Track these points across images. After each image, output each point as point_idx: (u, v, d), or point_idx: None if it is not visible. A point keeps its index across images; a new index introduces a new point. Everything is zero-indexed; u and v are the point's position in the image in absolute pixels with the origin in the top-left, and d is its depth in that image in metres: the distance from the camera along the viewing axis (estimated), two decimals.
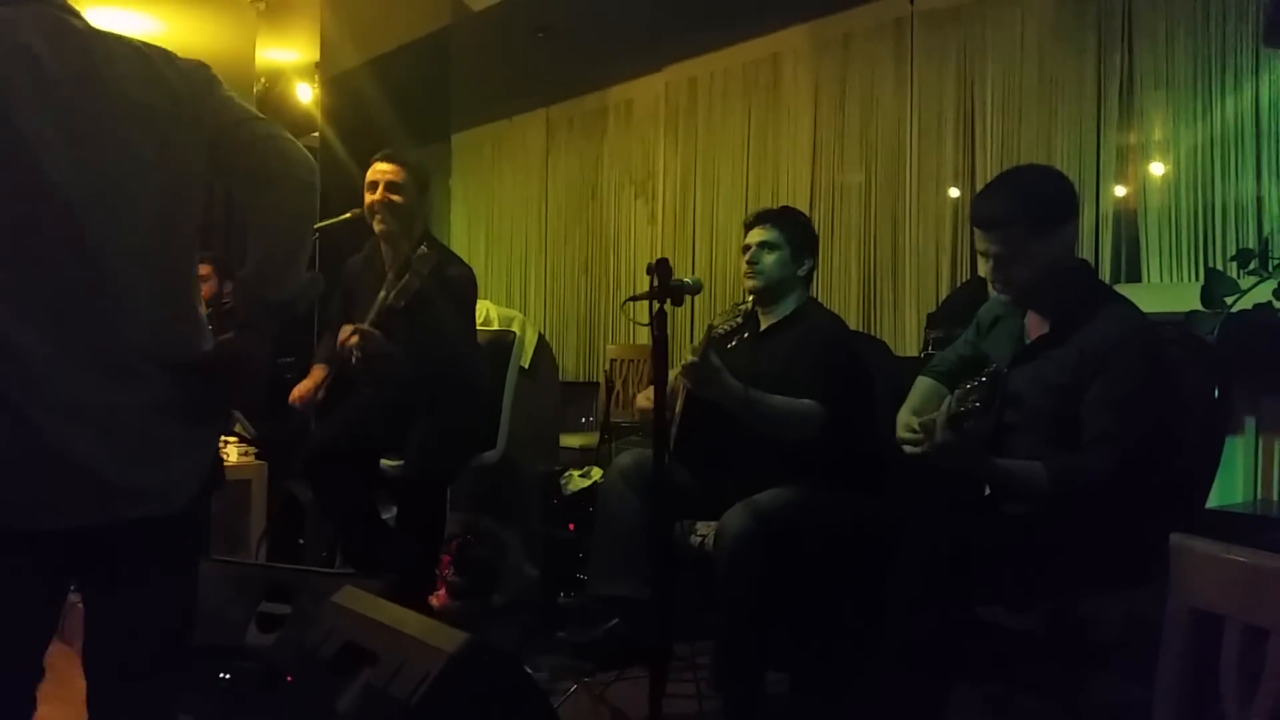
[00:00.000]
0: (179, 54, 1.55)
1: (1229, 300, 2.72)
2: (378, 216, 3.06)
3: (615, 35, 4.94)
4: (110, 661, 1.52)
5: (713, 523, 2.52)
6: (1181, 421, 2.12)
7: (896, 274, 4.29)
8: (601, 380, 5.20)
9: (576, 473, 3.75)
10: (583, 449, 4.72)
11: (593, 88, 5.80)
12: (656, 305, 2.13)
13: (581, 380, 5.82)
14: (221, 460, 1.65)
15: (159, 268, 1.46)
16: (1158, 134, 3.51)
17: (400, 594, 2.79)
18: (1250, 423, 2.95)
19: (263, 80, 4.49)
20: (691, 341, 3.36)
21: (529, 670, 2.49)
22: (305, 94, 4.33)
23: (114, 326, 1.41)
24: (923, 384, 2.39)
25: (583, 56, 5.27)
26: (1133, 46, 3.53)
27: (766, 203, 4.76)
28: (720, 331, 2.50)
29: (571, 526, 3.63)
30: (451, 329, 3.05)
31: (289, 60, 4.45)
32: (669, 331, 2.17)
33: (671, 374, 2.93)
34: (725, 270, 5.04)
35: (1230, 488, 2.93)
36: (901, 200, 4.26)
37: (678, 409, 2.70)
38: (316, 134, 4.14)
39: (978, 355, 2.33)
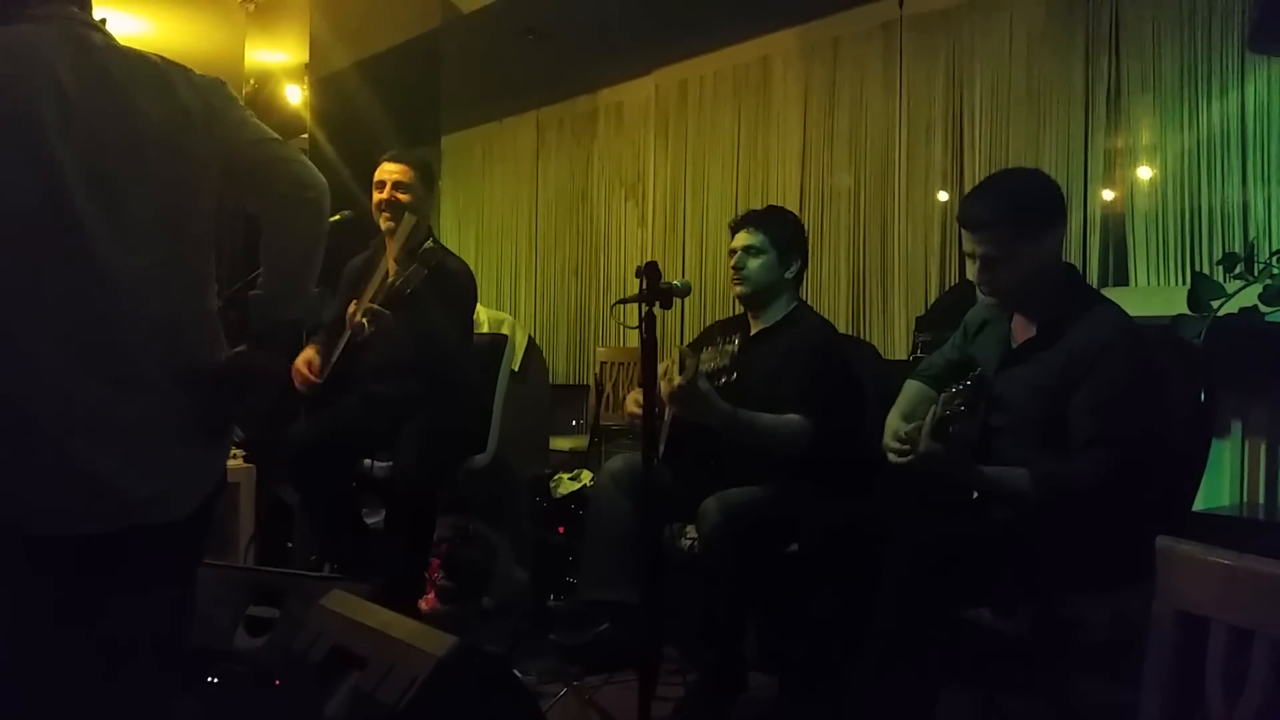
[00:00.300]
0: (172, 57, 1.56)
1: (1215, 304, 2.74)
2: (385, 214, 3.12)
3: (605, 38, 4.95)
4: (104, 665, 1.51)
5: None
6: (1168, 425, 2.13)
7: (885, 277, 4.30)
8: (591, 383, 5.20)
9: (566, 476, 3.75)
10: (573, 452, 4.72)
11: (583, 90, 5.80)
12: (645, 308, 2.13)
13: (572, 383, 5.82)
14: (223, 466, 1.65)
15: (171, 283, 1.48)
16: (1145, 138, 3.53)
17: (390, 598, 2.79)
18: (1236, 426, 2.97)
19: (252, 81, 4.47)
20: (681, 344, 3.36)
21: (518, 673, 2.49)
22: (295, 95, 4.31)
23: (124, 338, 1.43)
24: (911, 387, 2.40)
25: (573, 59, 5.27)
26: (1120, 51, 3.55)
27: (756, 205, 4.77)
28: (706, 370, 2.43)
29: (561, 530, 3.63)
30: (450, 323, 3.10)
31: (278, 61, 4.44)
32: (659, 334, 2.17)
33: (662, 367, 2.94)
34: (715, 273, 5.05)
35: (1216, 491, 2.95)
36: (890, 203, 4.27)
37: (667, 416, 2.71)
38: (306, 135, 4.13)
39: (965, 359, 2.34)
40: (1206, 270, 3.16)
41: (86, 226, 1.39)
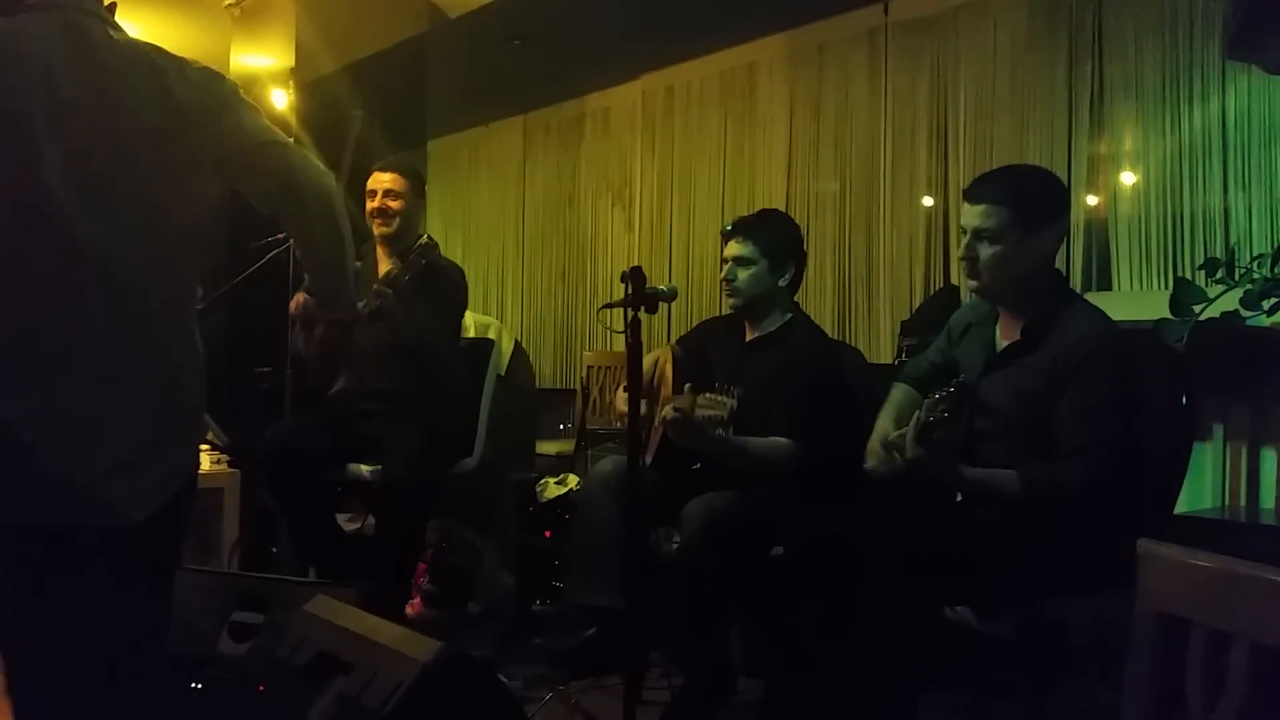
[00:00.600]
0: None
1: (1197, 308, 2.75)
2: (377, 221, 3.19)
3: (592, 43, 4.95)
4: (62, 671, 1.49)
5: None
6: (1150, 428, 2.14)
7: (871, 282, 4.32)
8: (578, 387, 5.20)
9: (552, 480, 3.74)
10: (559, 456, 4.71)
11: (570, 95, 5.80)
12: (631, 313, 2.14)
13: (558, 387, 5.82)
14: (195, 472, 1.64)
15: (153, 282, 1.47)
16: (1127, 144, 3.56)
17: (380, 603, 2.79)
18: (1218, 429, 2.99)
19: (237, 85, 4.46)
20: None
21: (503, 678, 2.49)
22: (280, 100, 4.31)
23: (99, 334, 1.42)
24: (896, 391, 2.41)
25: (559, 64, 5.27)
26: (1103, 57, 3.58)
27: (743, 210, 4.78)
28: (703, 415, 2.39)
29: (548, 534, 3.62)
30: (442, 322, 3.15)
31: (264, 65, 4.43)
32: (646, 338, 2.18)
33: (652, 359, 2.94)
34: (702, 277, 5.06)
35: (1199, 493, 2.97)
36: (876, 208, 4.29)
37: (657, 421, 2.71)
38: (292, 140, 4.11)
39: (949, 362, 2.36)
40: (1188, 275, 3.18)
41: (70, 222, 1.38)
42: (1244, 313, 2.73)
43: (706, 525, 2.44)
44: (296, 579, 2.90)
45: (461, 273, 3.34)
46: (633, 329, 2.13)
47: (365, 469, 3.14)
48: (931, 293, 4.01)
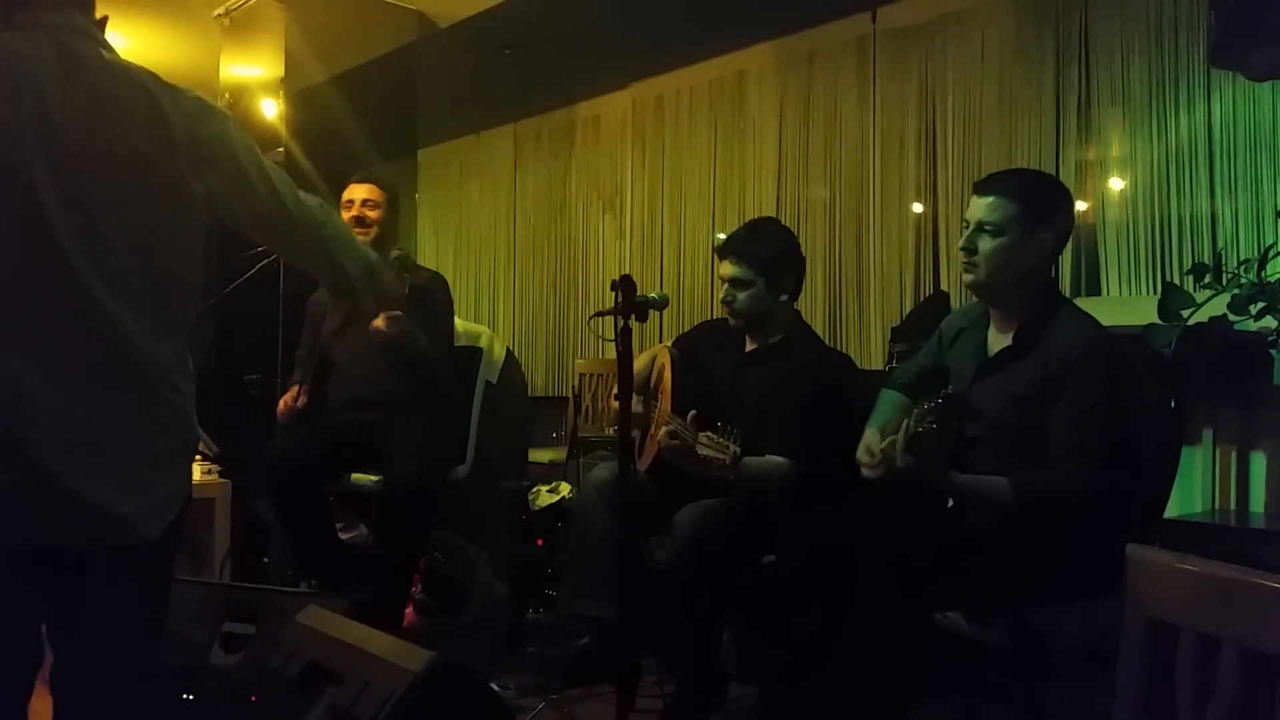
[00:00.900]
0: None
1: (1185, 313, 2.77)
2: (355, 231, 3.15)
3: (582, 52, 4.96)
4: (76, 690, 1.50)
5: None
6: (1140, 433, 2.15)
7: (861, 288, 4.33)
8: (570, 395, 5.20)
9: (544, 488, 3.74)
10: (551, 464, 4.71)
11: (560, 104, 5.81)
12: (621, 321, 2.14)
13: (551, 395, 5.81)
14: (190, 484, 1.64)
15: (145, 306, 1.47)
16: (1115, 150, 3.58)
17: (381, 612, 2.79)
18: (1208, 434, 3.01)
19: (227, 96, 4.46)
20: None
21: (496, 688, 2.48)
22: (270, 109, 4.30)
23: (101, 358, 1.42)
24: (886, 397, 2.42)
25: (550, 73, 5.28)
26: (1090, 64, 3.60)
27: (733, 218, 4.80)
28: (705, 454, 2.34)
29: (540, 542, 3.62)
30: (435, 331, 3.16)
31: (254, 75, 4.43)
32: (636, 345, 2.18)
33: (649, 356, 2.93)
34: (693, 285, 5.07)
35: (1189, 497, 2.98)
36: (865, 215, 4.30)
37: (654, 430, 2.71)
38: (281, 149, 4.12)
39: (939, 366, 2.36)
40: (1176, 280, 3.20)
41: (63, 247, 1.38)
42: (1231, 317, 2.74)
43: (698, 533, 2.44)
44: (288, 589, 2.89)
45: (445, 280, 3.37)
46: (623, 337, 2.13)
47: (364, 479, 3.14)
48: (922, 299, 4.03)
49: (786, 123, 4.64)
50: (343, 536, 3.40)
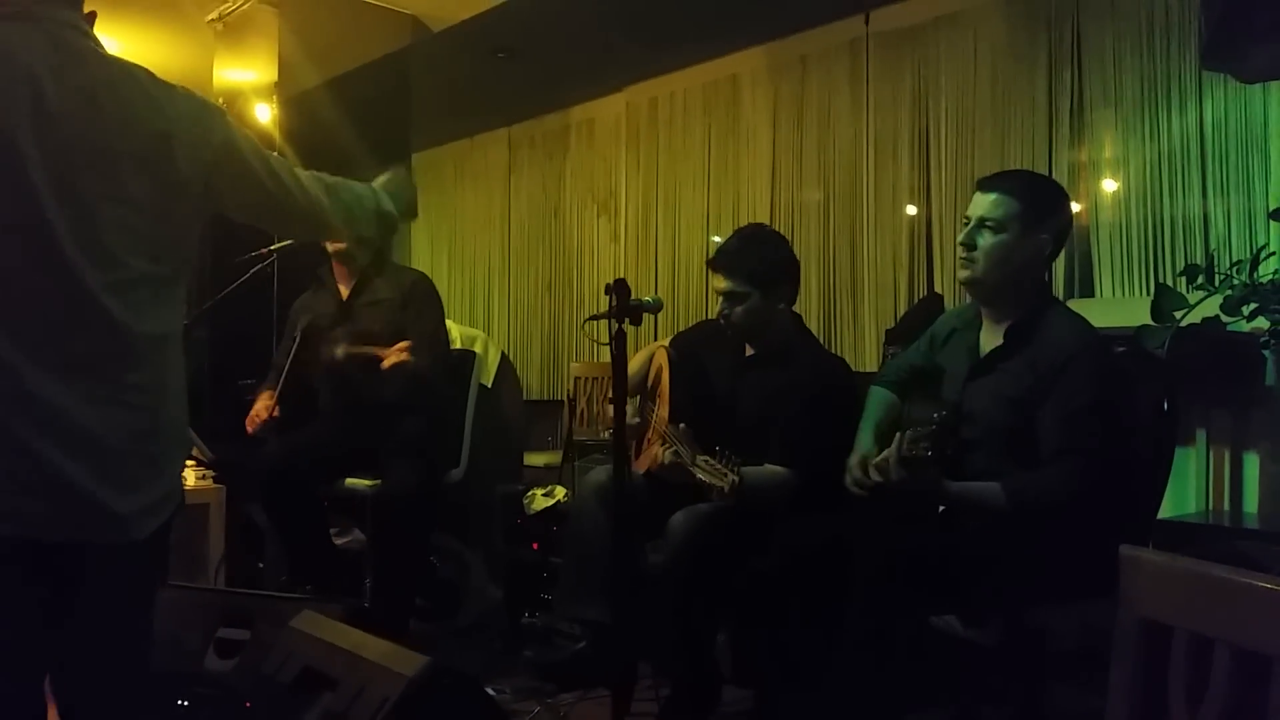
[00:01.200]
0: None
1: (1178, 314, 2.78)
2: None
3: (576, 55, 4.96)
4: (75, 690, 1.50)
5: None
6: (1133, 434, 2.16)
7: (855, 290, 4.34)
8: (565, 398, 5.20)
9: (540, 491, 3.74)
10: (547, 467, 4.71)
11: (554, 107, 5.81)
12: (616, 325, 2.14)
13: (546, 399, 5.81)
14: (182, 486, 1.64)
15: (143, 301, 1.46)
16: (1107, 151, 3.59)
17: (384, 617, 2.79)
18: (1201, 434, 3.01)
19: (220, 100, 4.46)
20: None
21: (491, 692, 2.48)
22: (264, 114, 4.30)
23: (100, 353, 1.42)
24: (876, 394, 2.42)
25: (544, 76, 5.28)
26: (1082, 66, 3.61)
27: (728, 220, 4.81)
28: (704, 481, 2.32)
29: (535, 546, 3.61)
30: (428, 330, 3.17)
31: (247, 80, 4.42)
32: (631, 348, 2.18)
33: (646, 355, 2.92)
34: (687, 288, 5.07)
35: (1183, 498, 2.99)
36: (859, 217, 4.31)
37: (650, 433, 2.71)
38: (275, 154, 4.11)
39: (931, 366, 2.36)
40: (1169, 281, 3.21)
41: (60, 241, 1.37)
42: (1224, 318, 2.75)
43: (691, 538, 2.44)
44: (282, 594, 2.89)
45: (431, 281, 3.37)
46: (617, 341, 2.13)
47: (358, 484, 3.13)
48: (916, 301, 4.03)
49: (780, 126, 4.64)
50: (337, 541, 3.40)
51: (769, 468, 2.52)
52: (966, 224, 2.20)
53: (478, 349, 4.21)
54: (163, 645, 1.66)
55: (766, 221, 4.60)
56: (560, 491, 3.66)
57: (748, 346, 2.76)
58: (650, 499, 2.62)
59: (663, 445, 2.51)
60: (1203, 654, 1.04)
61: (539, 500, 3.65)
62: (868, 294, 4.27)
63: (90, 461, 1.39)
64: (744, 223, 4.67)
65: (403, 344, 2.93)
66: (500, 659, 3.16)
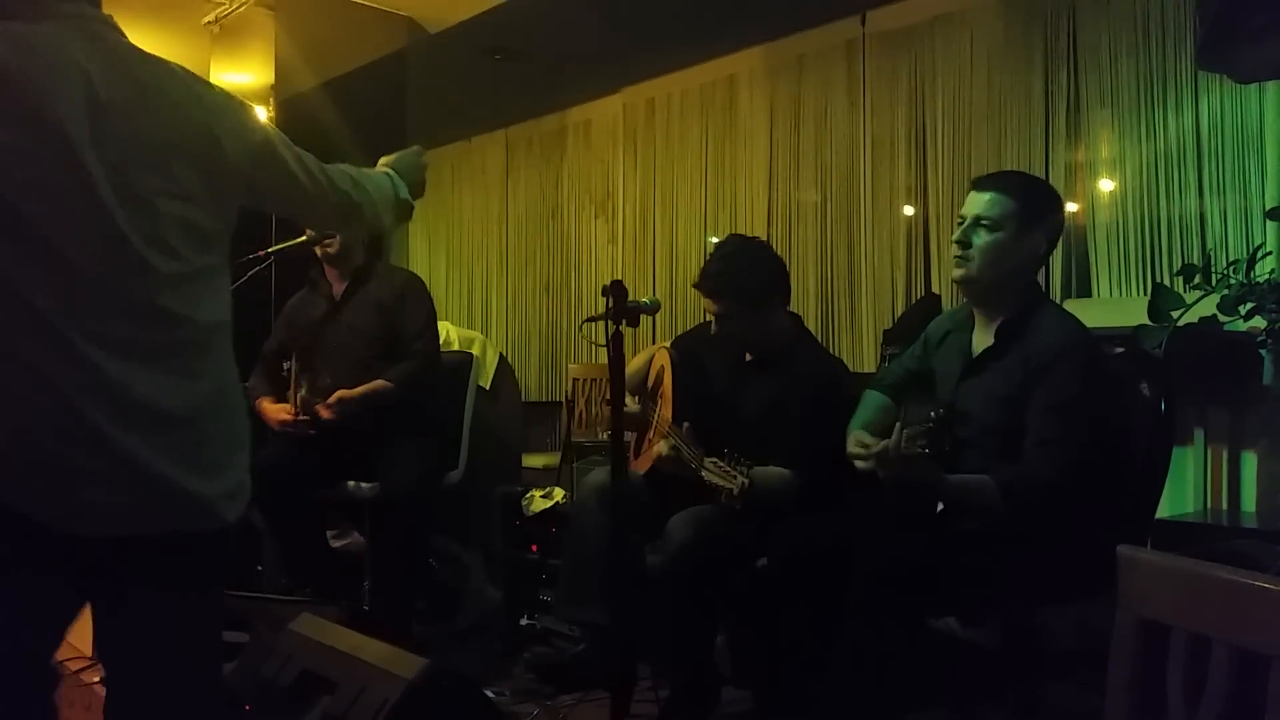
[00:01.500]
0: None
1: (1175, 314, 2.78)
2: (326, 240, 3.20)
3: (573, 57, 4.97)
4: (142, 683, 1.48)
5: None
6: (1130, 434, 2.16)
7: (853, 291, 4.34)
8: (564, 400, 5.20)
9: (539, 493, 3.73)
10: (545, 469, 4.71)
11: (551, 109, 5.81)
12: (613, 326, 2.14)
13: (544, 400, 5.81)
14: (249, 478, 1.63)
15: (201, 293, 1.48)
16: (1104, 151, 3.59)
17: (384, 620, 2.79)
18: (1198, 434, 3.02)
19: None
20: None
21: (490, 694, 2.48)
22: (261, 116, 4.30)
23: (174, 346, 1.43)
24: (870, 398, 2.42)
25: (540, 78, 5.28)
26: (1078, 67, 3.61)
27: (725, 221, 4.81)
28: (711, 482, 2.32)
29: (534, 548, 3.61)
30: (421, 327, 3.19)
31: (243, 82, 4.42)
32: (629, 349, 2.18)
33: (646, 356, 2.92)
34: (685, 289, 5.06)
35: (1181, 497, 2.99)
36: (857, 218, 4.31)
37: (651, 434, 2.70)
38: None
39: (924, 369, 2.37)
40: (1166, 281, 3.22)
41: (129, 237, 1.38)
42: (1221, 318, 2.76)
43: (691, 538, 2.44)
44: (281, 597, 2.89)
45: (423, 282, 3.39)
46: (615, 342, 2.13)
47: (359, 485, 3.13)
48: (913, 301, 4.03)
49: (777, 126, 4.64)
50: (335, 544, 3.40)
51: (772, 469, 2.52)
52: (961, 223, 2.20)
53: (476, 351, 4.21)
54: None
55: (765, 221, 4.61)
56: (559, 493, 3.66)
57: (748, 350, 2.77)
58: (650, 500, 2.63)
59: (658, 433, 2.52)
60: (1201, 653, 1.05)
61: (538, 502, 3.65)
62: (865, 294, 4.27)
63: (175, 453, 1.40)
64: (742, 223, 4.70)
65: (338, 394, 3.00)
66: (499, 661, 3.16)
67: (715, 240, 4.13)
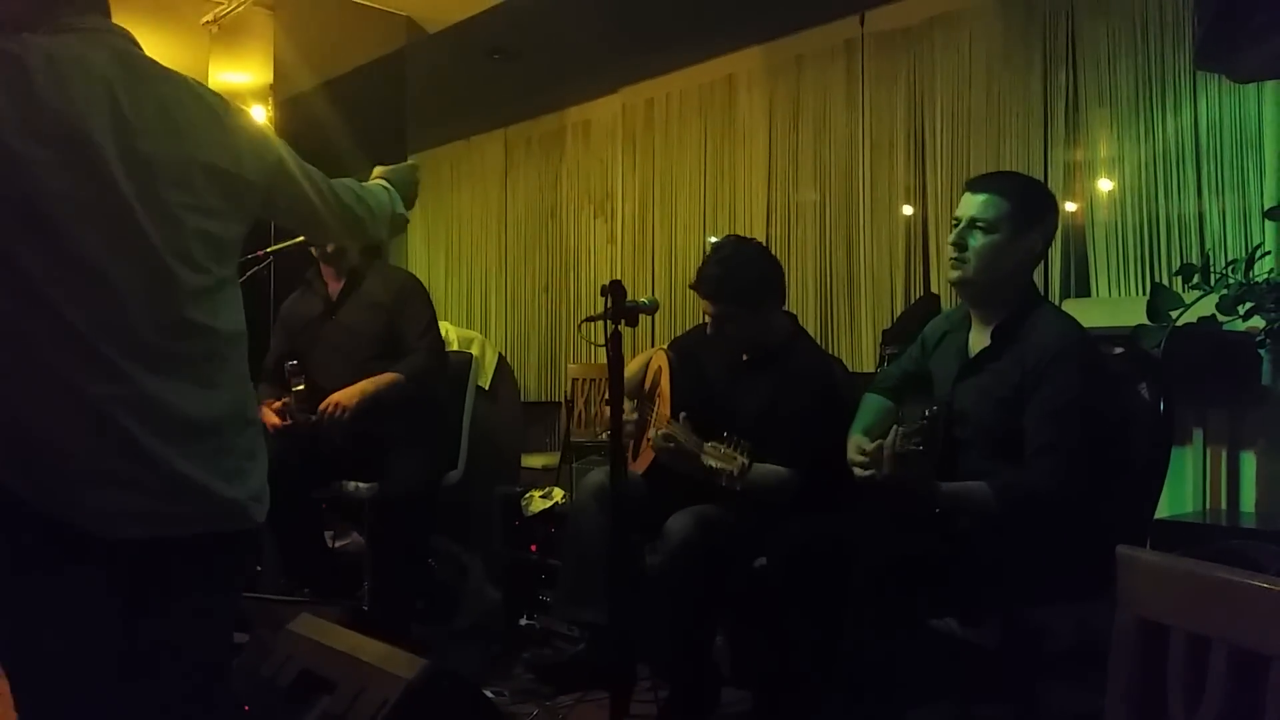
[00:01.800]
0: None
1: (1174, 314, 2.78)
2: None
3: (572, 57, 4.97)
4: (152, 683, 1.48)
5: None
6: (1129, 434, 2.16)
7: (852, 291, 4.34)
8: (563, 400, 5.20)
9: (538, 493, 3.73)
10: (544, 469, 4.71)
11: (550, 108, 5.81)
12: (612, 326, 2.14)
13: (543, 400, 5.81)
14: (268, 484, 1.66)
15: (223, 303, 1.51)
16: (1102, 152, 3.59)
17: (384, 620, 2.79)
18: (1198, 434, 3.02)
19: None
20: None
21: (489, 694, 2.48)
22: (259, 116, 4.30)
23: (199, 356, 1.46)
24: (870, 401, 2.42)
25: (540, 78, 5.28)
26: (1076, 66, 3.62)
27: (724, 221, 4.81)
28: (709, 465, 2.31)
29: (534, 548, 3.61)
30: (423, 332, 3.18)
31: (243, 82, 4.42)
32: (628, 349, 2.18)
33: (644, 359, 2.92)
34: (684, 289, 5.06)
35: (1180, 498, 2.99)
36: (855, 218, 4.31)
37: (650, 432, 2.70)
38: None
39: (922, 371, 2.37)
40: (1165, 281, 3.22)
41: (158, 249, 1.40)
42: (1220, 317, 2.76)
43: (690, 538, 2.44)
44: (280, 597, 2.89)
45: (420, 281, 3.38)
46: (613, 342, 2.13)
47: (358, 486, 3.13)
48: (912, 301, 4.04)
49: (776, 126, 4.65)
50: (335, 544, 3.39)
51: (771, 466, 2.52)
52: (956, 224, 2.20)
53: (475, 351, 4.21)
54: None
55: (764, 221, 4.61)
56: (558, 493, 3.66)
57: (744, 350, 2.77)
58: (649, 500, 2.63)
59: (657, 430, 2.52)
60: (1200, 654, 1.05)
61: (537, 502, 3.65)
62: (864, 294, 4.28)
63: (205, 459, 1.43)
64: (741, 223, 4.70)
65: (334, 396, 2.99)
66: (499, 661, 3.16)
67: (714, 240, 4.13)
